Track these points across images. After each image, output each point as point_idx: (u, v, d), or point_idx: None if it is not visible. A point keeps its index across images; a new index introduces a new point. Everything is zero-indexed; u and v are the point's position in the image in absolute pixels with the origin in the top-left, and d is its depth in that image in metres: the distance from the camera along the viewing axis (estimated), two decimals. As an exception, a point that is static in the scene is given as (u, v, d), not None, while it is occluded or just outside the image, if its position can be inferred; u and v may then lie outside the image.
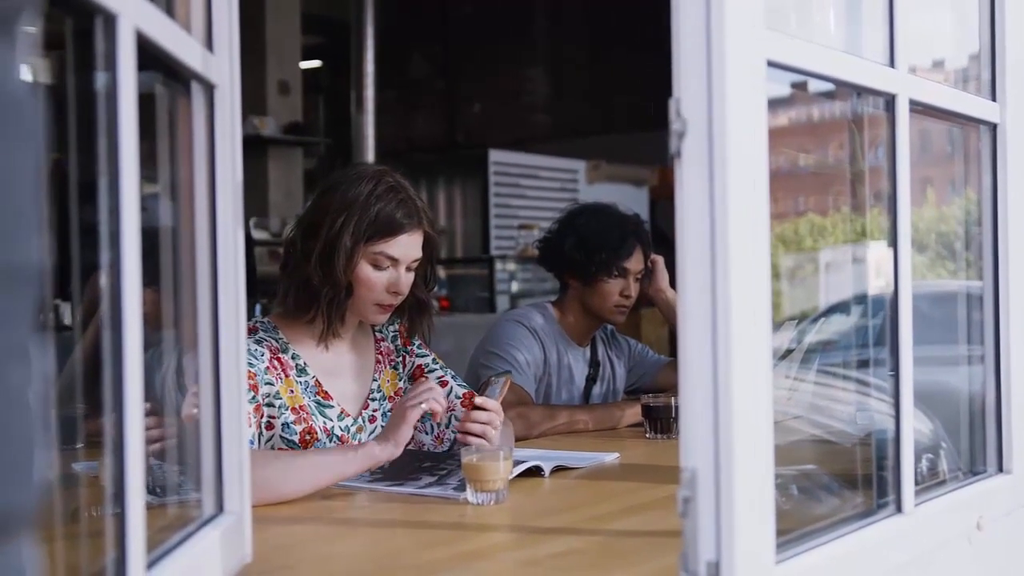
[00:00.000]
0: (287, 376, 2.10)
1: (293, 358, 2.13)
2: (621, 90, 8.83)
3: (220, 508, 1.31)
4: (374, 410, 2.23)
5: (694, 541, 1.12)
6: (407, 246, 2.12)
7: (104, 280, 0.97)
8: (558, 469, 2.10)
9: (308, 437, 2.08)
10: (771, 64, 1.19)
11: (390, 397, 2.27)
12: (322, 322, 2.13)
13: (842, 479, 1.64)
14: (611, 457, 2.27)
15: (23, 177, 0.53)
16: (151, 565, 1.04)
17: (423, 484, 1.94)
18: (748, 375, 1.12)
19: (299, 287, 2.12)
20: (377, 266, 2.10)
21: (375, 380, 2.25)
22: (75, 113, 0.99)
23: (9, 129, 0.52)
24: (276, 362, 2.09)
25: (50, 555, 0.96)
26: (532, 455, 2.09)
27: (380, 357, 2.28)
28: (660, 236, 5.06)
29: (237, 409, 1.33)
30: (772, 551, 1.17)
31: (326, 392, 2.15)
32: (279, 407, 2.06)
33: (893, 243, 1.45)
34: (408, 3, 9.30)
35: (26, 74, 0.56)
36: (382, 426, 2.20)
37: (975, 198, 1.82)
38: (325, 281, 2.08)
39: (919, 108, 1.51)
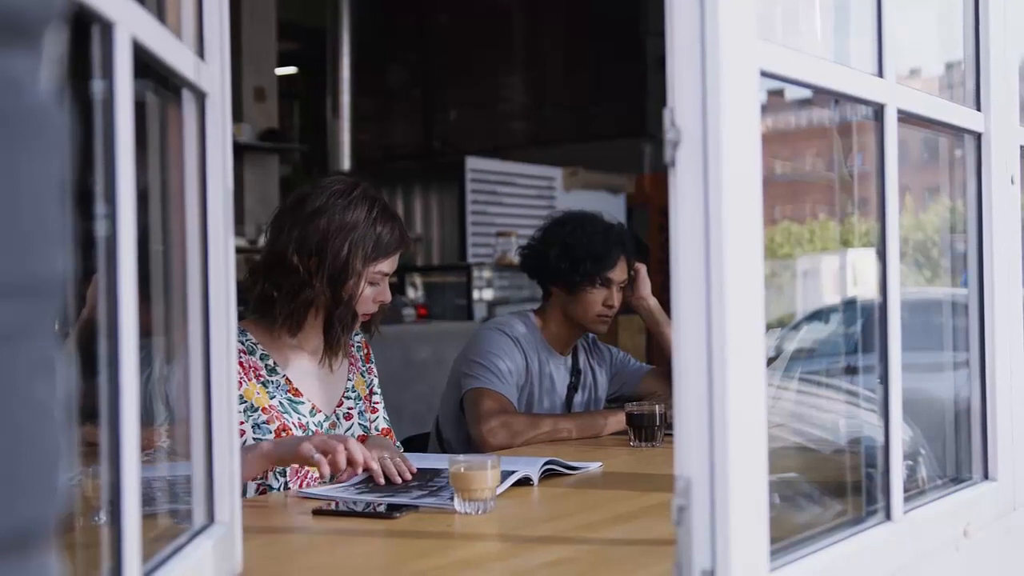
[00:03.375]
0: (255, 377, 2.15)
1: (262, 359, 2.19)
2: (598, 97, 8.86)
3: (211, 519, 1.30)
4: (349, 408, 2.30)
5: (689, 549, 1.11)
6: (396, 261, 2.26)
7: (97, 288, 0.96)
8: (548, 474, 2.10)
9: (284, 434, 2.13)
10: (764, 74, 1.19)
11: (364, 397, 2.35)
12: (325, 340, 2.22)
13: (829, 487, 1.64)
14: (594, 466, 2.27)
15: (51, 188, 0.52)
16: (145, 577, 1.03)
17: (414, 497, 1.92)
18: (743, 384, 1.12)
19: (302, 305, 2.17)
20: (373, 283, 2.22)
21: (349, 380, 2.33)
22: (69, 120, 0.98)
23: (38, 141, 0.51)
24: (238, 365, 2.10)
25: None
26: (519, 462, 2.09)
27: (352, 360, 2.36)
28: (636, 243, 5.04)
29: (228, 419, 1.32)
30: (767, 559, 1.17)
31: (297, 390, 2.21)
32: (244, 410, 2.10)
33: (882, 251, 1.46)
34: (385, 10, 9.30)
35: (49, 85, 0.55)
36: (359, 423, 2.31)
37: (952, 206, 1.83)
38: (336, 302, 2.17)
39: (906, 117, 1.52)
